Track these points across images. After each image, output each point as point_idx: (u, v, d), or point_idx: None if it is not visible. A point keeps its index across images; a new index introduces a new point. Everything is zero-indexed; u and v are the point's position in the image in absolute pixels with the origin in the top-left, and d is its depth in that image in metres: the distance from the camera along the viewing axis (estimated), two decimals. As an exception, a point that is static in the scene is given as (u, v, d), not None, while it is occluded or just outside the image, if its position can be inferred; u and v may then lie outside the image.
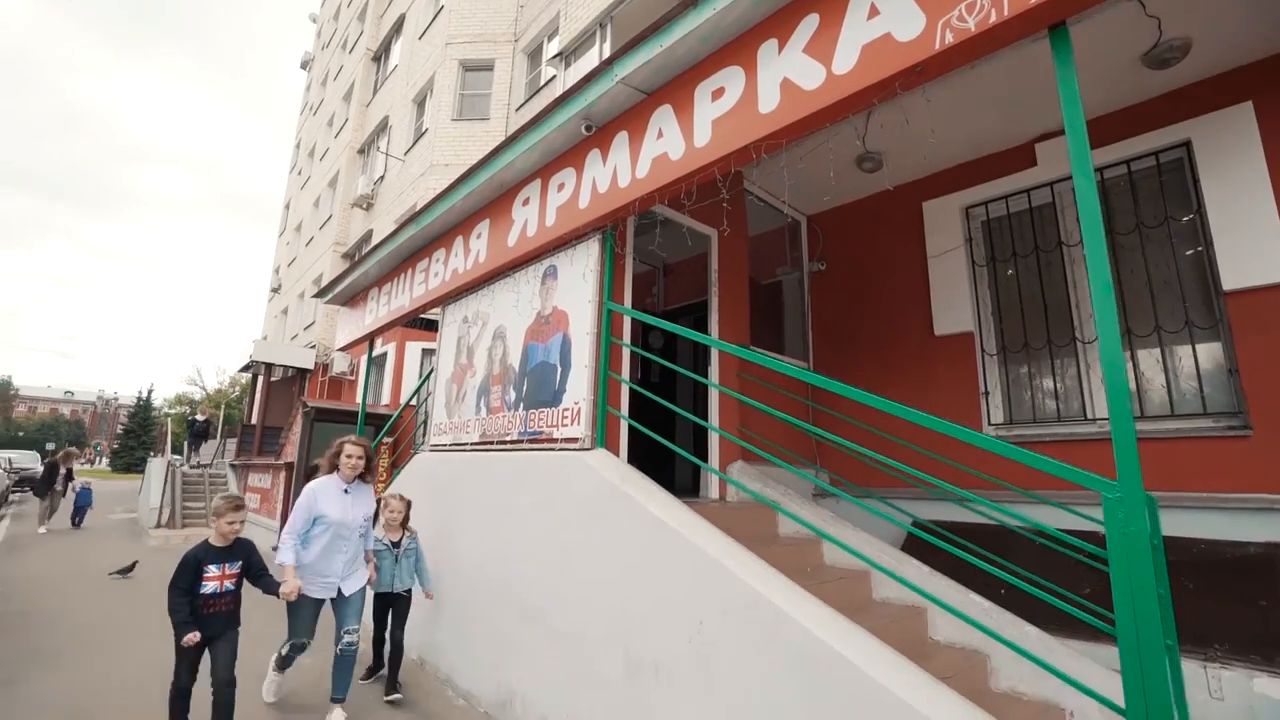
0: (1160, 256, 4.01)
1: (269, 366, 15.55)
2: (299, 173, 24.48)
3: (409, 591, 4.09)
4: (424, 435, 5.53)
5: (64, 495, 11.99)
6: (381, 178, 15.27)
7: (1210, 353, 3.76)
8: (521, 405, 4.04)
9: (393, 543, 4.08)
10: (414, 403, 7.56)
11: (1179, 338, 3.86)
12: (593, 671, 3.03)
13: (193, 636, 2.89)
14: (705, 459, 4.41)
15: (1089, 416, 4.11)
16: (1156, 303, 3.95)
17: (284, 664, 3.74)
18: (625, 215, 3.56)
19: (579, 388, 3.56)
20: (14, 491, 17.61)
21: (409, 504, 4.22)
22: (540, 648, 3.39)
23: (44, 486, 11.60)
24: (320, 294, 7.81)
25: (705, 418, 4.43)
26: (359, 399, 12.37)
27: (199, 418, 16.67)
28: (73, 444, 11.80)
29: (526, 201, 4.26)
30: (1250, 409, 3.49)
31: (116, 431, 12.33)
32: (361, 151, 17.44)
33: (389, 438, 8.16)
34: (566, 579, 3.31)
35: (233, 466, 13.64)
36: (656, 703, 2.69)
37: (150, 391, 41.90)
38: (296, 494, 3.73)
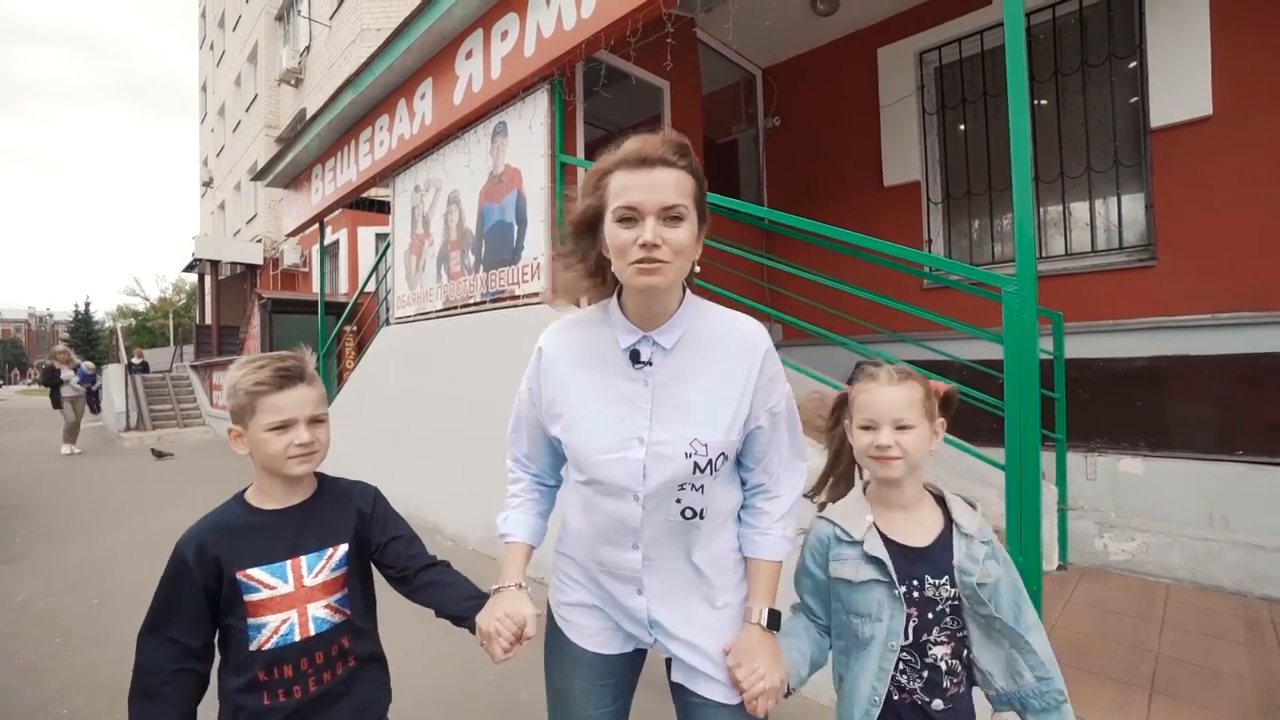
0: (1100, 97, 4.11)
1: (215, 264, 14.91)
2: (210, 47, 21.95)
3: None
4: (387, 311, 5.58)
5: (88, 405, 9.75)
6: (308, 48, 13.88)
7: (1133, 190, 3.99)
8: (481, 267, 4.10)
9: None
10: (370, 288, 7.49)
11: (1107, 177, 4.07)
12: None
13: None
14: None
15: (1019, 258, 4.40)
16: (1090, 143, 4.11)
17: None
18: (573, 61, 3.46)
19: (537, 244, 3.63)
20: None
21: None
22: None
23: (56, 395, 9.47)
24: (259, 176, 7.41)
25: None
26: (316, 287, 12.09)
27: (135, 360, 15.21)
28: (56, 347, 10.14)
29: (470, 54, 4.05)
30: (1158, 241, 3.80)
31: (59, 348, 11.61)
32: (280, 18, 15.68)
33: (349, 325, 8.17)
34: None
35: (194, 368, 13.48)
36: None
37: (88, 305, 39.88)
38: None
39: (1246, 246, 3.45)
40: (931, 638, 1.07)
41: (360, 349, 7.73)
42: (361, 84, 4.90)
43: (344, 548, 1.13)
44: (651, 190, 0.94)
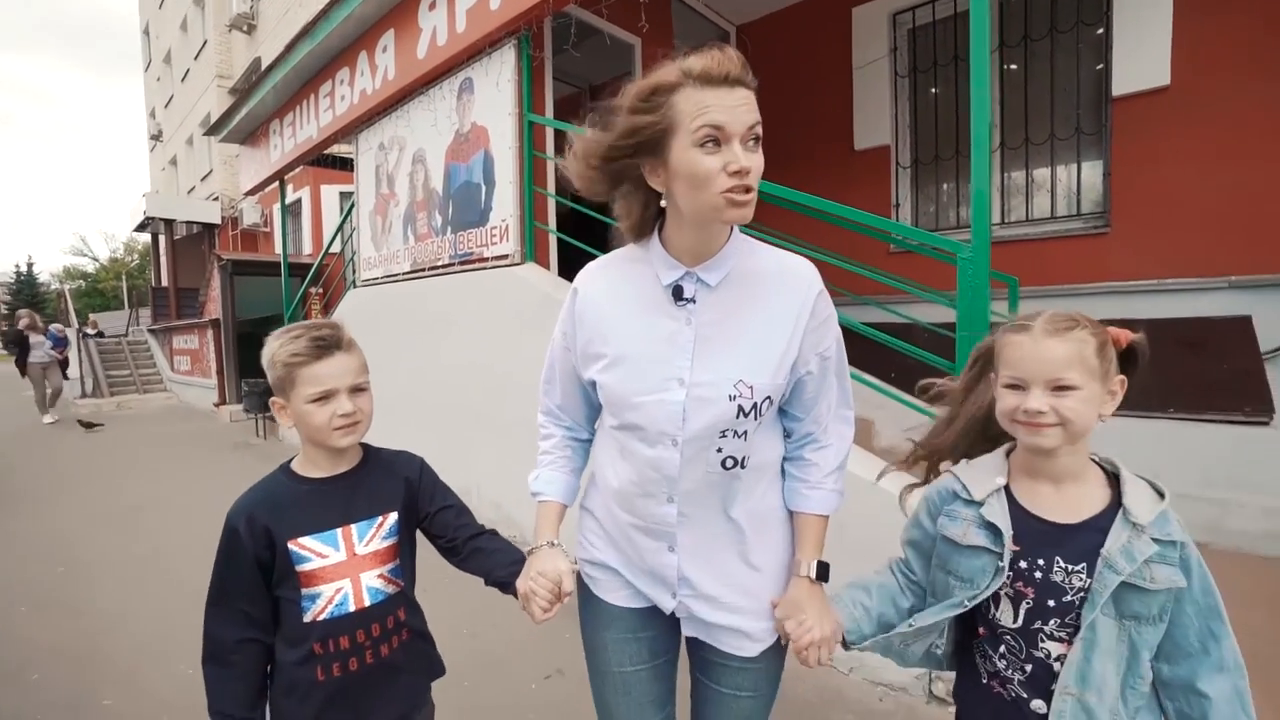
0: (1067, 63, 4.15)
1: (169, 224, 14.27)
2: (152, -12, 20.47)
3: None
4: (354, 272, 5.47)
5: (64, 372, 9.29)
6: (259, -9, 13.08)
7: (1094, 160, 4.08)
8: (449, 229, 4.04)
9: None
10: (335, 248, 7.29)
11: (1069, 144, 4.15)
12: (531, 458, 3.44)
13: None
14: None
15: (983, 223, 4.50)
16: (1055, 109, 4.18)
17: None
18: (540, 16, 3.35)
19: (505, 205, 3.58)
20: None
21: None
22: (490, 444, 3.76)
23: (23, 362, 8.81)
24: (212, 130, 7.08)
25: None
26: (279, 248, 11.77)
27: (89, 330, 13.46)
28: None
29: (433, 5, 3.90)
30: (1113, 208, 3.92)
31: (22, 312, 10.81)
32: (227, -43, 14.66)
33: (315, 287, 7.99)
34: (508, 383, 3.60)
35: (152, 332, 13.03)
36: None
37: (30, 265, 37.97)
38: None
39: (1191, 216, 3.58)
40: (1046, 629, 0.91)
41: (327, 312, 7.58)
42: (318, 34, 4.68)
43: (394, 516, 1.12)
44: (737, 111, 0.85)
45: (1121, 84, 3.81)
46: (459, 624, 2.61)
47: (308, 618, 1.02)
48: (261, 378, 5.86)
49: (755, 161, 0.87)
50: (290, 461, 1.12)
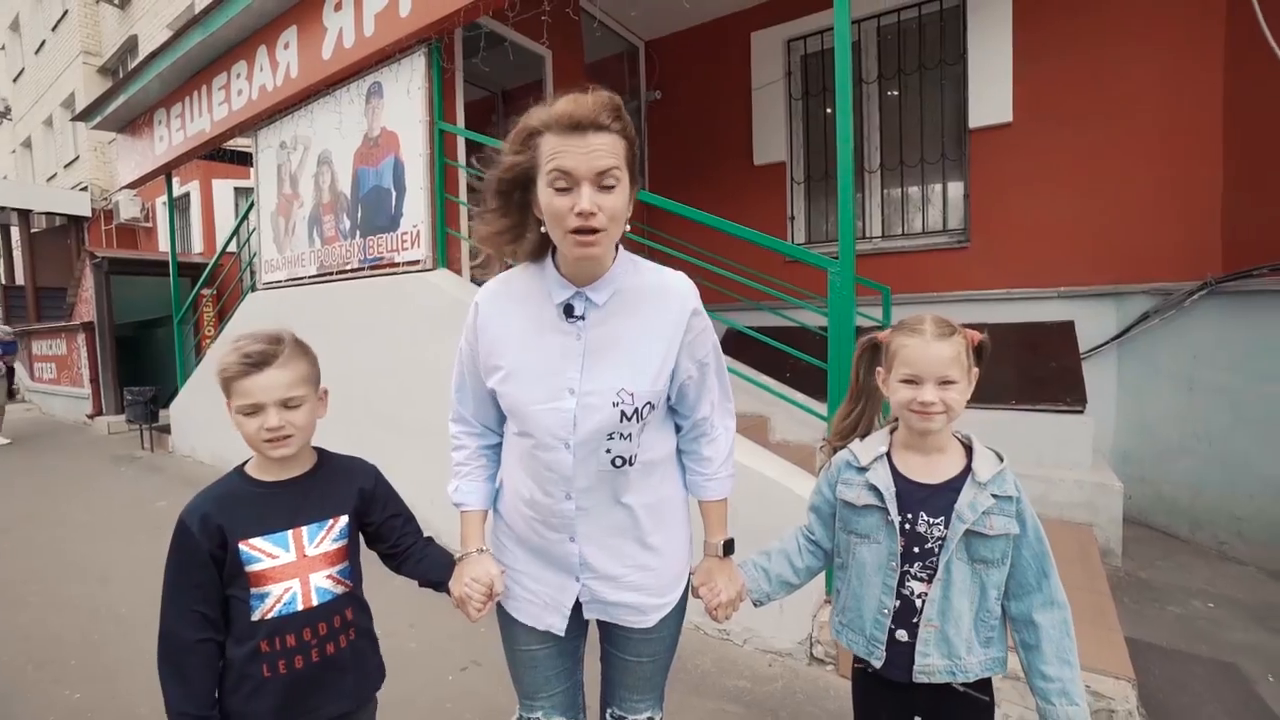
0: (934, 95, 4.69)
1: (25, 214, 12.73)
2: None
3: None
4: (253, 275, 5.23)
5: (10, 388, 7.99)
6: (135, -36, 11.97)
7: (956, 181, 4.64)
8: (358, 233, 3.99)
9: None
10: (232, 248, 6.86)
11: (936, 167, 4.69)
12: (444, 460, 3.50)
13: None
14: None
15: (865, 235, 4.98)
16: (925, 136, 4.71)
17: None
18: (452, 26, 3.41)
19: (417, 211, 3.60)
20: None
21: None
22: (402, 448, 3.77)
23: None
24: (83, 116, 6.48)
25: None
26: (164, 246, 10.86)
27: None
28: None
29: (339, 6, 3.84)
30: (972, 226, 4.48)
31: None
32: (95, -78, 13.31)
33: (208, 289, 7.52)
34: (419, 387, 3.63)
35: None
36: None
37: None
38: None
39: (1030, 235, 4.19)
40: (911, 570, 1.11)
41: (222, 316, 7.14)
42: (212, 24, 4.46)
43: (345, 519, 1.16)
44: (586, 157, 0.93)
45: (976, 118, 4.37)
46: (377, 623, 2.65)
47: (255, 616, 1.06)
48: (147, 385, 5.51)
49: (606, 201, 0.95)
50: (245, 464, 1.16)
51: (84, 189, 13.54)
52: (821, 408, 2.56)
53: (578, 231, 0.95)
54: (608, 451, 1.07)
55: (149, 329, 8.95)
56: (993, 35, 4.26)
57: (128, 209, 11.60)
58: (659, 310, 1.08)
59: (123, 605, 2.99)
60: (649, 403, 1.06)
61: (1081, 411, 3.40)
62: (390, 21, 3.52)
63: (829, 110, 5.14)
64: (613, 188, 0.96)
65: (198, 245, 10.11)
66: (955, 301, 4.41)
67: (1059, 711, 1.05)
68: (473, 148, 3.65)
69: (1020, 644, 1.12)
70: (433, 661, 2.48)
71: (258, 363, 1.06)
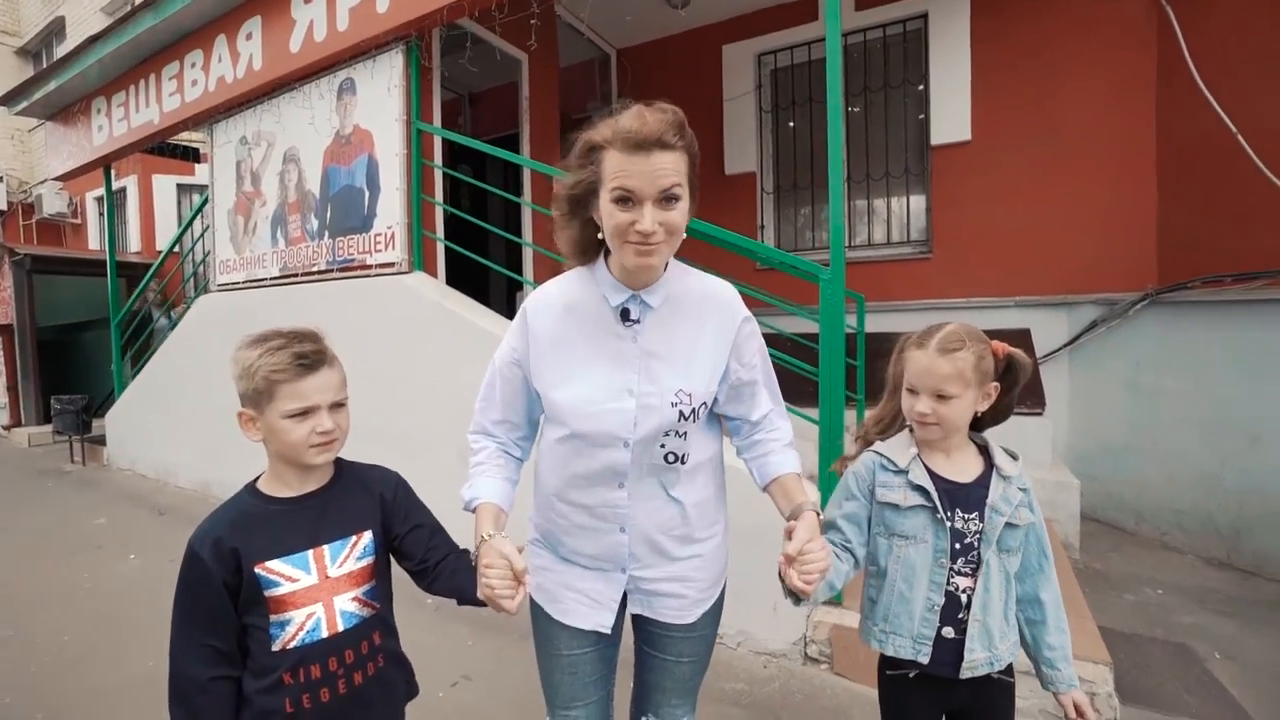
0: (899, 113, 4.90)
1: (-69, 206, 11.67)
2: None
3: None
4: (205, 276, 4.95)
5: None
6: (62, -57, 11.21)
7: (919, 194, 4.85)
8: (327, 233, 3.85)
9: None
10: (178, 249, 6.47)
11: (901, 181, 4.90)
12: (428, 465, 3.40)
13: None
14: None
15: (834, 246, 5.14)
16: (890, 151, 4.91)
17: None
18: (432, 25, 3.35)
19: (392, 212, 3.50)
20: None
21: None
22: (379, 456, 3.64)
23: None
24: (6, 100, 6.00)
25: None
26: (95, 244, 10.18)
27: None
28: None
29: (308, -3, 3.71)
30: (934, 238, 4.69)
31: None
32: (17, -103, 12.41)
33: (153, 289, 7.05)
34: (399, 394, 3.52)
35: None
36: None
37: None
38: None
39: (988, 247, 4.42)
40: (956, 567, 1.15)
41: (168, 318, 6.71)
42: (166, 10, 4.22)
43: (369, 535, 1.08)
44: (650, 177, 0.94)
45: (937, 135, 4.59)
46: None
47: (276, 646, 0.97)
48: (77, 394, 5.12)
49: (667, 217, 0.97)
50: (256, 480, 1.06)
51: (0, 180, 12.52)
52: (812, 414, 2.62)
53: (637, 243, 0.98)
54: (662, 447, 1.10)
55: (76, 332, 8.33)
56: (953, 59, 4.48)
57: (52, 203, 10.77)
58: (709, 314, 1.12)
59: (65, 633, 2.75)
60: (704, 402, 1.11)
61: (1041, 413, 3.60)
62: (367, 17, 3.42)
63: (793, 124, 5.29)
64: (674, 201, 0.98)
65: (133, 244, 9.49)
66: (920, 310, 4.60)
67: (1064, 674, 1.17)
68: (449, 148, 3.58)
69: (1026, 621, 1.21)
70: (421, 678, 2.37)
71: (313, 363, 1.00)
